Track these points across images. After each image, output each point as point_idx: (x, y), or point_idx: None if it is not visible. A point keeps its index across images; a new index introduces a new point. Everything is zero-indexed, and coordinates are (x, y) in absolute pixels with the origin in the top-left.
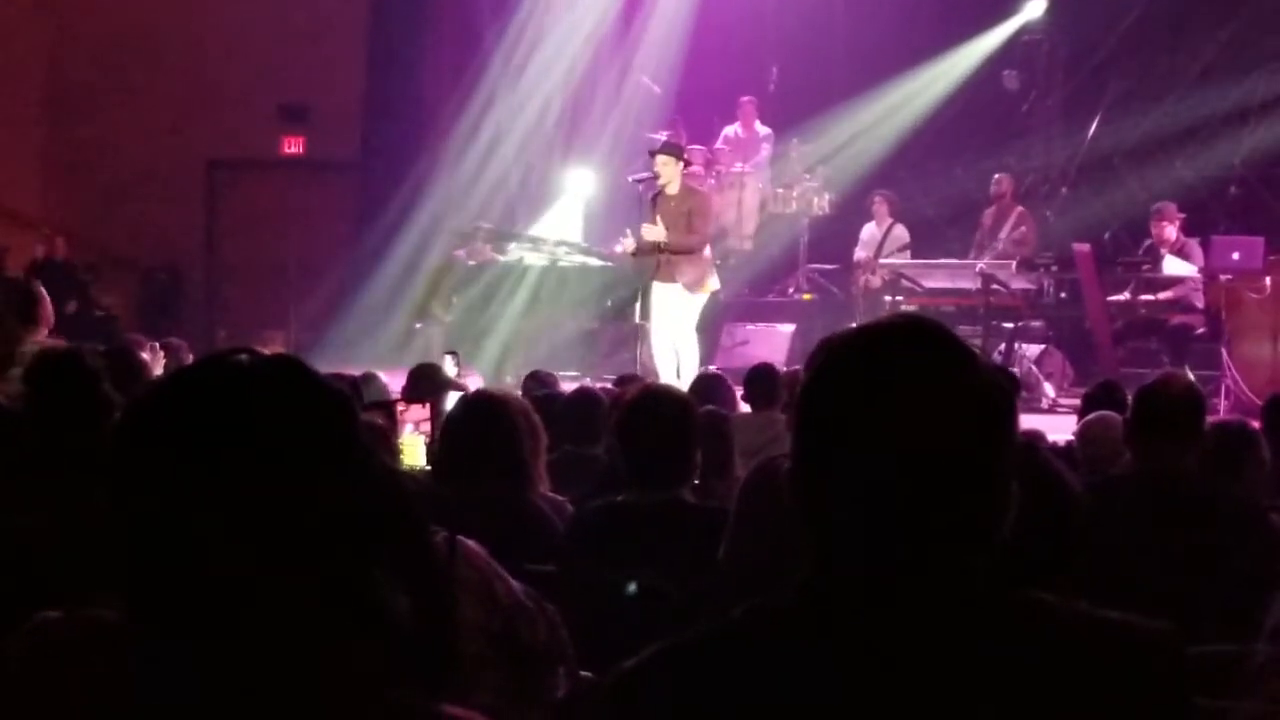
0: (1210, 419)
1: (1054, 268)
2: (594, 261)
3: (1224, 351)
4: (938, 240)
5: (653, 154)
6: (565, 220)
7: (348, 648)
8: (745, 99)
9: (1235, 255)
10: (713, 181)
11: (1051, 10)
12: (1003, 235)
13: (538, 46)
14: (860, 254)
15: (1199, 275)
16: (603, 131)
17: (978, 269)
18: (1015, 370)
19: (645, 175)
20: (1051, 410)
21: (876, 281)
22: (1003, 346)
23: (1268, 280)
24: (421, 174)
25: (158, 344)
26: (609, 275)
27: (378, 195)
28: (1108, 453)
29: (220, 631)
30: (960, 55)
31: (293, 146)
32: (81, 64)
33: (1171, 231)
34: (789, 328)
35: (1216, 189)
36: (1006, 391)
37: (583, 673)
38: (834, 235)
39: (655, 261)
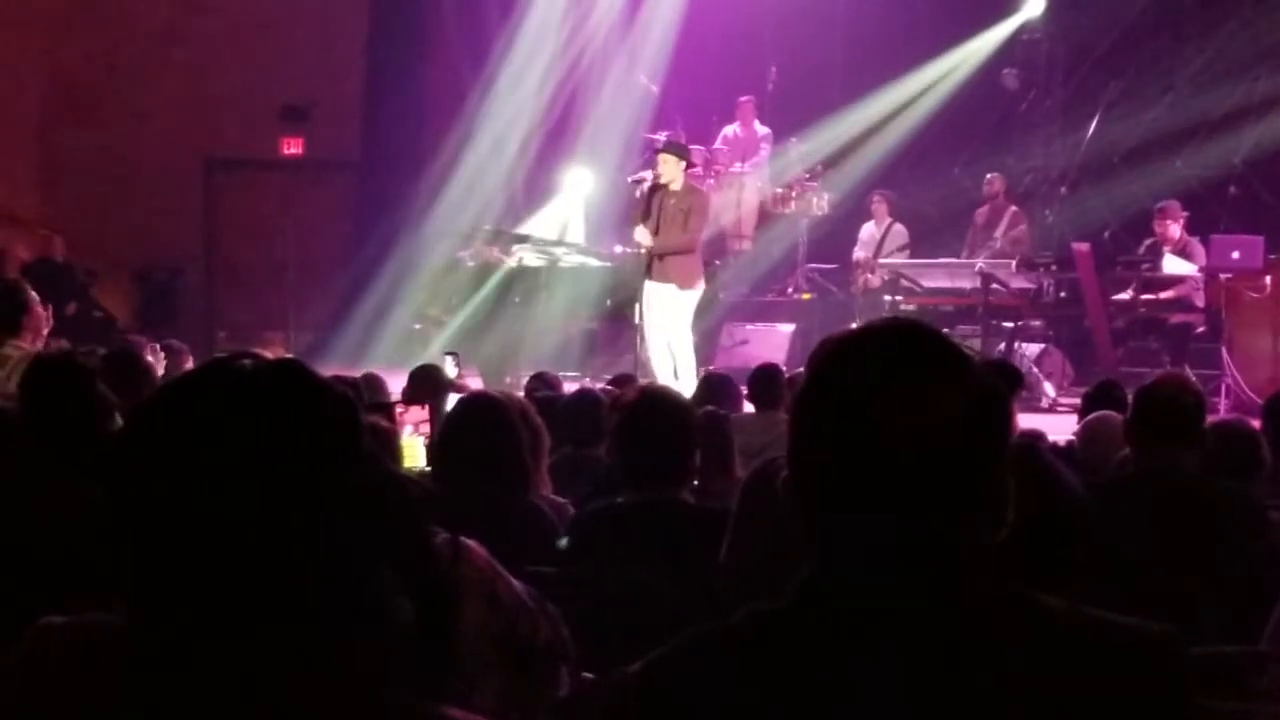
0: (1210, 418)
1: (1053, 267)
2: (594, 262)
3: (1224, 350)
4: (937, 240)
5: (656, 152)
6: (566, 220)
7: (351, 650)
8: (744, 99)
9: (1235, 254)
10: (712, 181)
11: (1051, 9)
12: (998, 234)
13: (537, 47)
14: (859, 254)
15: (1199, 274)
16: (602, 132)
17: (977, 268)
18: None
19: (645, 175)
20: (1051, 410)
21: (876, 281)
22: (1002, 346)
23: (1268, 279)
24: (421, 175)
25: (158, 346)
26: (609, 276)
27: (377, 196)
28: (1108, 453)
29: (223, 634)
30: (959, 54)
31: (292, 147)
32: (81, 64)
33: (1175, 230)
34: (789, 327)
35: (1216, 188)
36: (1002, 393)
37: (585, 673)
38: (833, 235)
39: (648, 261)
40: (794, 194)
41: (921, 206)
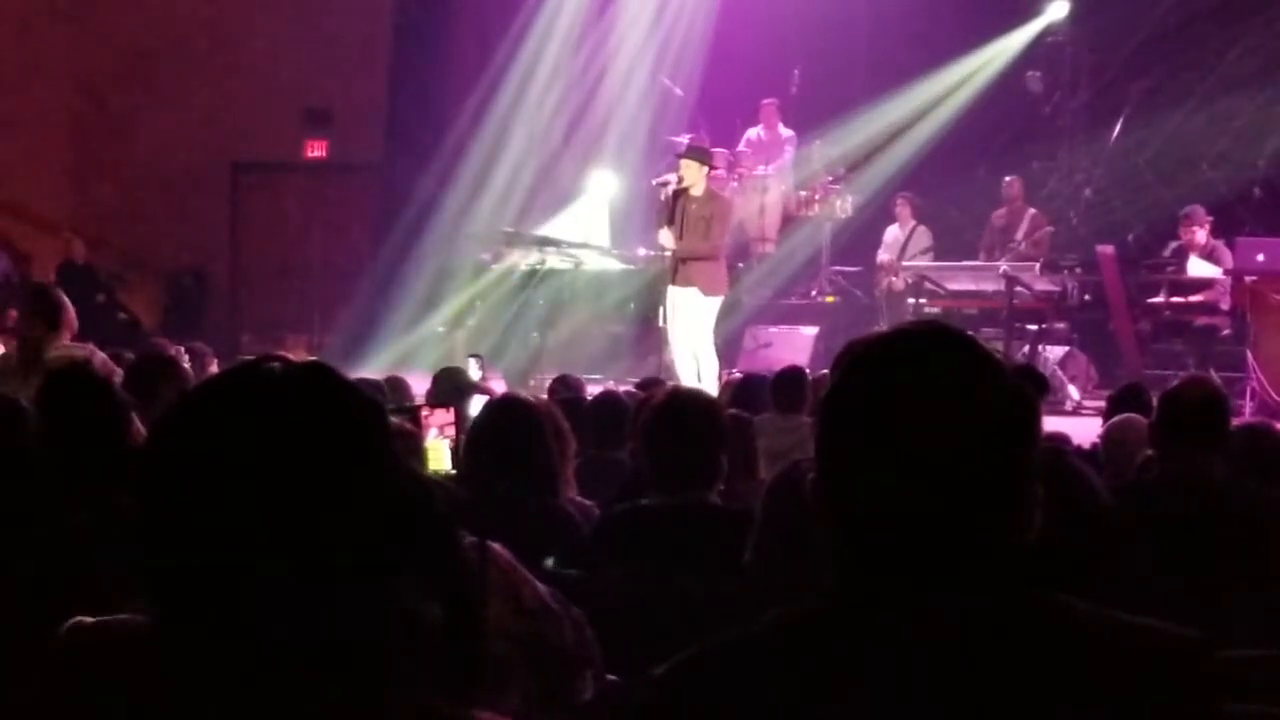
0: (1235, 421)
1: (1078, 270)
2: (617, 265)
3: (1249, 353)
4: (961, 242)
5: (678, 156)
6: (590, 223)
7: (379, 653)
8: (767, 101)
9: (1260, 257)
10: (735, 184)
11: (1075, 12)
12: (1019, 237)
13: (560, 49)
14: (883, 256)
15: (1225, 277)
16: (625, 134)
17: (1001, 271)
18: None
19: (669, 178)
20: (1076, 413)
21: (900, 284)
22: (1026, 349)
23: None
24: (444, 177)
25: (182, 349)
26: (632, 279)
27: (401, 198)
28: (1133, 456)
29: (251, 636)
30: (983, 57)
31: (316, 150)
32: (107, 69)
33: (1202, 235)
34: (812, 330)
35: (1241, 190)
36: (1030, 396)
37: (609, 676)
38: (857, 237)
39: (673, 265)
40: (818, 197)
41: (945, 209)
